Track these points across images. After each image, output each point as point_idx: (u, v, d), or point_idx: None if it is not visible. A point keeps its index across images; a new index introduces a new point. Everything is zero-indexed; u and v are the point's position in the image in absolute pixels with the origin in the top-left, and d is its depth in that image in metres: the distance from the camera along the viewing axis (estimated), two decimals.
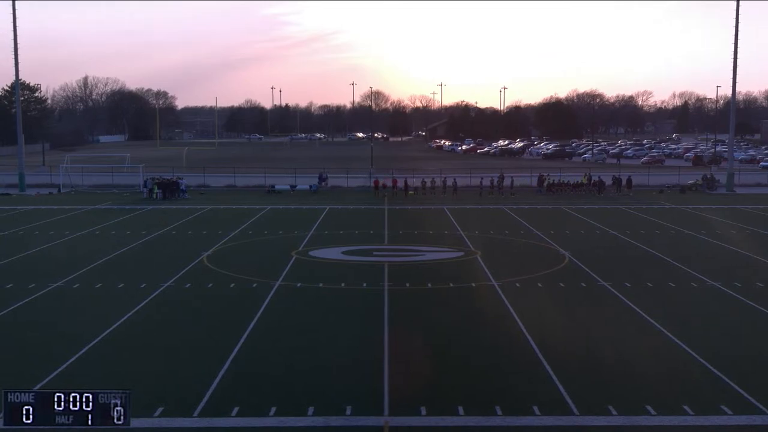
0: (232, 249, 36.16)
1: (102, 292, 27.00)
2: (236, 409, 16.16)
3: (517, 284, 28.18)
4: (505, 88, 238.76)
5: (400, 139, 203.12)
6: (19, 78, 67.35)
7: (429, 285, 28.02)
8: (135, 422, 13.72)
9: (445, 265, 32.13)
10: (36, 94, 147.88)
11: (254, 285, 28.04)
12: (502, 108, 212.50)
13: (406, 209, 52.15)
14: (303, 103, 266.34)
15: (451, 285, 28.02)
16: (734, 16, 64.13)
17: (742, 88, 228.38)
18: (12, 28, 63.80)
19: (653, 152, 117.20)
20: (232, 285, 28.07)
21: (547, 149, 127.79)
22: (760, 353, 20.08)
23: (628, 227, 42.84)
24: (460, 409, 16.16)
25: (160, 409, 16.09)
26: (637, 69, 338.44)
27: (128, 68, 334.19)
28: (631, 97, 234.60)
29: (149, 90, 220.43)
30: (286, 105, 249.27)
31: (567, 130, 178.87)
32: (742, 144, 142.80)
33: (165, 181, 60.96)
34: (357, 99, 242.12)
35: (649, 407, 16.24)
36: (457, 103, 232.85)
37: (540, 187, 64.09)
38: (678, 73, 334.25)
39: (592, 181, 64.16)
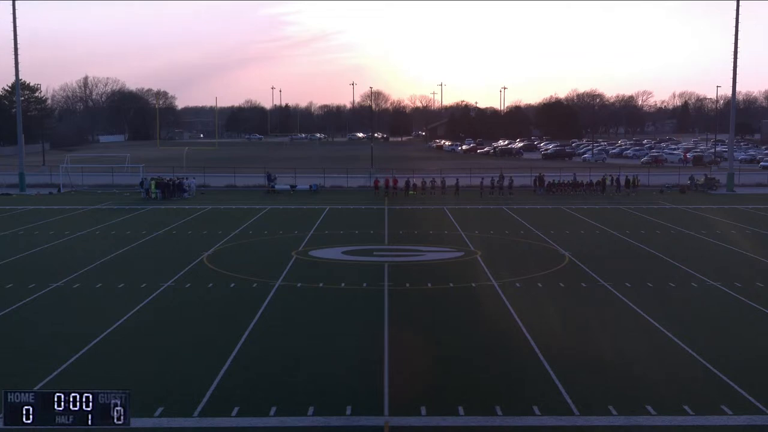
0: (232, 249, 36.16)
1: (102, 292, 27.00)
2: (236, 409, 16.15)
3: (517, 284, 28.18)
4: (505, 88, 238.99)
5: (400, 139, 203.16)
6: (19, 78, 67.36)
7: (429, 285, 28.02)
8: (135, 422, 13.72)
9: (445, 265, 32.12)
10: (36, 94, 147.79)
11: (254, 285, 28.03)
12: (502, 108, 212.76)
13: (406, 209, 52.15)
14: (303, 103, 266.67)
15: (452, 285, 28.02)
16: (734, 16, 64.26)
17: (742, 88, 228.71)
18: (12, 28, 63.95)
19: (653, 152, 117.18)
20: (232, 285, 28.07)
21: (547, 149, 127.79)
22: (760, 353, 20.07)
23: (629, 227, 42.84)
24: (461, 409, 16.16)
25: (160, 409, 16.08)
26: (637, 69, 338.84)
27: (128, 68, 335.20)
28: (631, 97, 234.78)
29: (149, 90, 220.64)
30: (286, 105, 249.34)
31: (567, 130, 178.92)
32: (742, 144, 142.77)
33: (164, 181, 60.88)
34: (357, 99, 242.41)
35: (649, 407, 16.24)
36: (457, 103, 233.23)
37: (540, 187, 64.10)
38: (678, 73, 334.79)
39: (598, 181, 64.34)
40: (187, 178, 63.72)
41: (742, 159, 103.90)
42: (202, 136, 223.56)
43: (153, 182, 59.67)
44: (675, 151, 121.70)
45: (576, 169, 75.09)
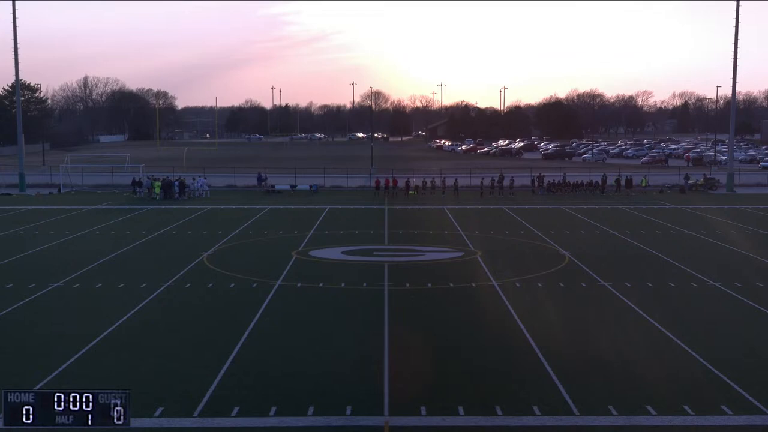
0: (232, 249, 36.16)
1: (102, 292, 26.99)
2: (236, 409, 16.15)
3: (517, 284, 28.17)
4: (505, 88, 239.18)
5: (400, 139, 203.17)
6: (19, 78, 67.39)
7: (429, 285, 28.02)
8: (135, 422, 13.73)
9: (445, 265, 32.12)
10: (36, 94, 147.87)
11: (254, 285, 28.03)
12: (502, 108, 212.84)
13: (406, 209, 52.14)
14: (303, 103, 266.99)
15: (451, 285, 28.01)
16: (734, 16, 64.25)
17: (742, 88, 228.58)
18: (12, 28, 63.96)
19: (653, 152, 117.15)
20: (232, 285, 28.07)
21: (547, 149, 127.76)
22: (760, 353, 20.07)
23: (628, 227, 42.84)
24: (461, 409, 16.15)
25: (160, 409, 16.08)
26: (637, 69, 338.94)
27: (128, 68, 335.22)
28: (631, 97, 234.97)
29: (149, 90, 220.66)
30: (286, 105, 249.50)
31: (567, 130, 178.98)
32: (742, 144, 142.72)
33: (169, 180, 60.75)
34: (357, 99, 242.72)
35: (649, 407, 16.23)
36: (457, 103, 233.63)
37: (540, 188, 64.06)
38: (678, 73, 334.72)
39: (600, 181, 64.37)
40: (202, 178, 63.59)
41: (742, 159, 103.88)
42: (207, 136, 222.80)
43: (157, 183, 59.52)
44: (676, 151, 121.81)
45: (574, 170, 75.02)
